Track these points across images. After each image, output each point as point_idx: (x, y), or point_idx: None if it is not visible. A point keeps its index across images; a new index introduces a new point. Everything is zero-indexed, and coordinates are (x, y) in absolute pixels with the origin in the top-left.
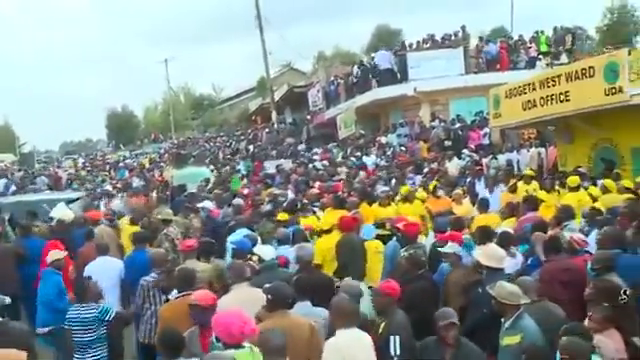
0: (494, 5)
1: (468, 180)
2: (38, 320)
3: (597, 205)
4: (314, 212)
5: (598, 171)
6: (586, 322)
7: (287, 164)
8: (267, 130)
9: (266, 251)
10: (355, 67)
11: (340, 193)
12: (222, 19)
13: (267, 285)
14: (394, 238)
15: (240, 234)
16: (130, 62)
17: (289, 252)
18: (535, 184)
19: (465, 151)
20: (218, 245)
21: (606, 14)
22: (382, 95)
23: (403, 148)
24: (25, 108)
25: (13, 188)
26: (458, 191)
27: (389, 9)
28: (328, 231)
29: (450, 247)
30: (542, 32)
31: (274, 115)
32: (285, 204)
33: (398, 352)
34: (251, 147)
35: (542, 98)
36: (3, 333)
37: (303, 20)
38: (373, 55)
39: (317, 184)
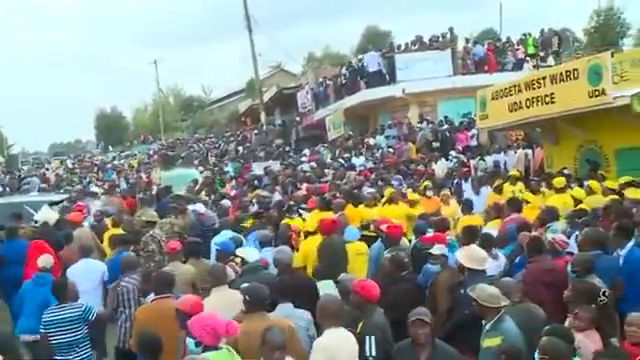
0: (484, 7)
1: (455, 181)
2: (26, 327)
3: (583, 206)
4: (300, 214)
5: (584, 172)
6: (567, 322)
7: (275, 166)
8: (256, 131)
9: (250, 253)
10: (344, 68)
11: (327, 194)
12: (212, 20)
13: (244, 285)
14: (379, 240)
15: (225, 236)
16: (120, 63)
17: (272, 255)
18: (521, 185)
19: (452, 152)
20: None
21: (593, 16)
22: (370, 96)
23: (391, 150)
24: (14, 109)
25: None
26: (446, 192)
27: (379, 11)
28: (314, 232)
29: (438, 248)
30: (530, 34)
31: (263, 116)
32: (271, 206)
33: (374, 353)
34: (240, 148)
35: (528, 100)
36: None
37: (293, 22)
38: (361, 57)
39: (304, 186)
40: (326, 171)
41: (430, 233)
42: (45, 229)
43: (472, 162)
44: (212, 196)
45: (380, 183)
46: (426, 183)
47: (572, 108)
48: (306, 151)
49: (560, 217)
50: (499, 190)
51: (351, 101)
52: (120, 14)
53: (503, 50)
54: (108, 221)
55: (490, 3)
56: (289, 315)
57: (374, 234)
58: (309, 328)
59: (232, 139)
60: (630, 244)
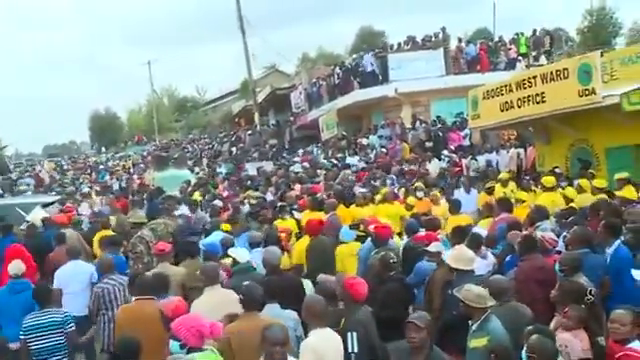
0: (477, 7)
1: (448, 181)
2: (13, 335)
3: (573, 205)
4: (292, 214)
5: (575, 171)
6: (553, 322)
7: (268, 166)
8: (249, 132)
9: (241, 253)
10: (337, 69)
11: (319, 195)
12: (205, 21)
13: (245, 283)
14: (369, 239)
15: (216, 236)
16: (113, 64)
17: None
18: (512, 185)
19: (445, 152)
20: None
21: (586, 16)
22: (363, 97)
23: (384, 150)
24: (7, 110)
25: None
26: (435, 192)
27: (373, 11)
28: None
29: (435, 246)
30: (522, 34)
31: (257, 117)
32: (266, 206)
33: (356, 349)
34: (234, 149)
35: (519, 99)
36: None
37: (287, 22)
38: (355, 56)
39: (297, 186)
40: (318, 171)
41: (422, 232)
42: (31, 231)
43: (464, 162)
44: (206, 196)
45: (373, 183)
46: (418, 184)
47: (562, 107)
48: (300, 151)
49: (549, 216)
50: (491, 191)
51: (344, 101)
52: (113, 15)
53: (496, 50)
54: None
55: (484, 3)
56: (276, 315)
57: (363, 233)
58: (296, 328)
59: (226, 140)
60: (617, 242)
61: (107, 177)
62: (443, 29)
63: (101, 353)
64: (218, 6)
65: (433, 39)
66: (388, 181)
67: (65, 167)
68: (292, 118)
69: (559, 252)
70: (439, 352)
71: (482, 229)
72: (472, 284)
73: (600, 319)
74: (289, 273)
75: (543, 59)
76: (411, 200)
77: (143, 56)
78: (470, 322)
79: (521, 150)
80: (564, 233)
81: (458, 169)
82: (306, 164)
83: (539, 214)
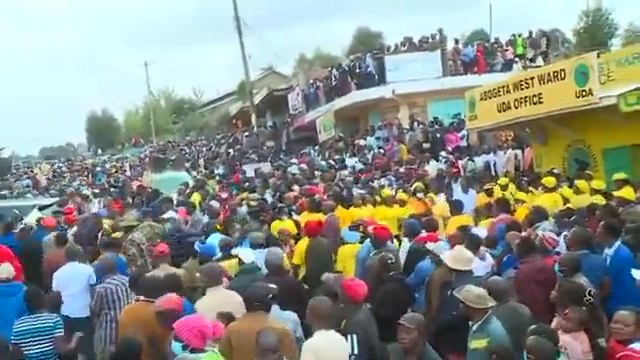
0: (474, 8)
1: (446, 182)
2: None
3: (570, 206)
4: (290, 215)
5: (572, 172)
6: (554, 322)
7: (266, 168)
8: (247, 134)
9: (246, 254)
10: (334, 70)
11: (317, 196)
12: (202, 22)
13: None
14: (367, 240)
15: (214, 239)
16: (110, 65)
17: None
18: (512, 188)
19: (442, 153)
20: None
21: (582, 17)
22: (361, 98)
23: (382, 151)
24: (4, 112)
25: None
26: (431, 194)
27: (370, 12)
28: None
29: (436, 246)
30: (519, 35)
31: (254, 118)
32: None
33: (356, 351)
34: (231, 151)
35: (516, 100)
36: None
37: (284, 23)
38: (352, 57)
39: (295, 187)
40: (316, 173)
41: (423, 233)
42: (23, 233)
43: (460, 163)
44: (206, 199)
45: (371, 184)
46: (417, 184)
47: (560, 108)
48: (298, 153)
49: (549, 217)
50: (490, 193)
51: (341, 102)
52: (110, 16)
53: (492, 51)
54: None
55: (480, 4)
56: (276, 317)
57: (362, 234)
58: (296, 330)
59: (223, 141)
60: (617, 243)
61: (104, 179)
62: (440, 30)
63: (102, 353)
64: (215, 7)
65: (430, 40)
66: (386, 182)
67: (62, 169)
68: (289, 120)
69: (559, 253)
70: (432, 352)
71: (482, 230)
72: (472, 285)
73: (600, 320)
74: (289, 274)
75: (540, 60)
76: (402, 196)
77: (140, 57)
78: (470, 323)
79: (519, 151)
80: (564, 233)
81: (456, 170)
82: (303, 165)
83: (538, 215)
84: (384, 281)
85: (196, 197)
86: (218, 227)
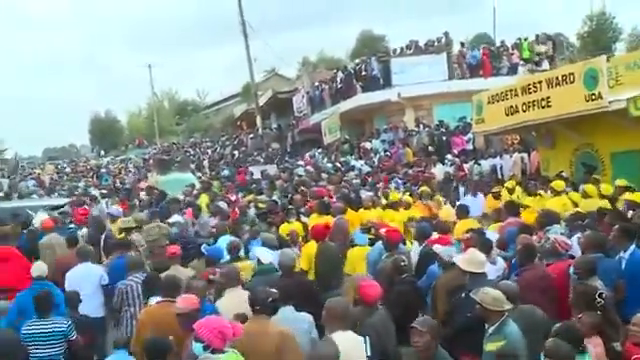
0: (477, 11)
1: (454, 185)
2: None
3: (579, 210)
4: (299, 217)
5: (580, 176)
6: None
7: (272, 169)
8: (252, 136)
9: (265, 254)
10: (339, 73)
11: (326, 199)
12: (204, 25)
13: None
14: (379, 242)
15: (225, 240)
16: (113, 67)
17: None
18: (518, 189)
19: (449, 156)
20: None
21: (586, 21)
22: (366, 101)
23: (388, 154)
24: (7, 113)
25: None
26: (437, 197)
27: (373, 15)
28: None
29: (443, 249)
30: (525, 38)
31: (259, 120)
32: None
33: (369, 352)
34: (236, 153)
35: (524, 104)
36: None
37: (287, 26)
38: (358, 60)
39: (302, 189)
40: (322, 175)
41: (434, 236)
42: (30, 235)
43: (466, 166)
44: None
45: (378, 186)
46: (424, 188)
47: (568, 112)
48: (305, 155)
49: (559, 220)
50: (497, 196)
51: (347, 105)
52: (113, 17)
53: (498, 55)
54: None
55: (483, 8)
56: (290, 318)
57: (373, 236)
58: (311, 331)
59: (228, 143)
60: (632, 247)
61: (110, 180)
62: (446, 34)
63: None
64: (217, 10)
65: (436, 44)
66: (392, 184)
67: (66, 170)
68: (294, 122)
69: (572, 256)
70: (445, 355)
71: (492, 233)
72: (488, 287)
73: (615, 324)
74: (302, 275)
75: (546, 64)
76: (407, 199)
77: (142, 59)
78: (486, 325)
79: (525, 155)
80: (576, 236)
81: (463, 173)
82: (310, 168)
83: (549, 218)
84: (396, 283)
85: (204, 199)
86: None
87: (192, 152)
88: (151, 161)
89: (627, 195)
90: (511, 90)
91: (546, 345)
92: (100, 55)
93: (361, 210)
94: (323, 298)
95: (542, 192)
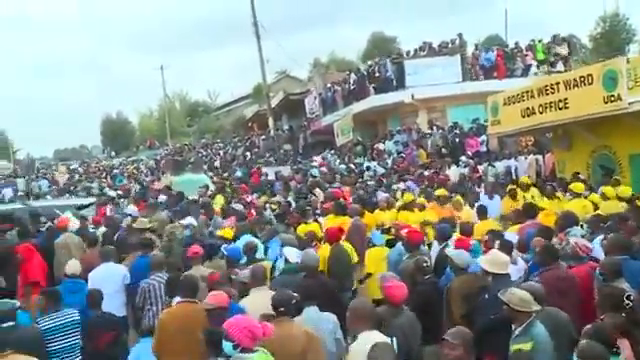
0: (488, 13)
1: (469, 187)
2: None
3: (600, 212)
4: (316, 218)
5: (597, 178)
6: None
7: (285, 171)
8: (263, 137)
9: (292, 253)
10: (352, 74)
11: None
12: (215, 26)
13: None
14: (399, 243)
15: (244, 240)
16: (124, 69)
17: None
18: (534, 191)
19: (463, 158)
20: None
21: (599, 22)
22: (379, 102)
23: (403, 155)
24: (17, 114)
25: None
26: (457, 198)
27: (384, 16)
28: None
29: (456, 253)
30: (539, 40)
31: (271, 122)
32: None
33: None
34: (248, 154)
35: (541, 105)
36: (14, 338)
37: (298, 28)
38: (370, 62)
39: (317, 191)
40: (336, 176)
41: (453, 237)
42: (49, 233)
43: (480, 168)
44: (232, 201)
45: (394, 187)
46: (441, 190)
47: (586, 114)
48: (316, 157)
49: (579, 222)
50: (513, 195)
51: (360, 107)
52: (123, 19)
53: (512, 56)
54: None
55: (494, 9)
56: (315, 318)
57: (392, 237)
58: (335, 331)
59: (240, 144)
60: None
61: (125, 181)
62: (460, 35)
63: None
64: (226, 11)
65: (450, 45)
66: (402, 185)
67: (78, 170)
68: (306, 123)
69: (592, 259)
70: None
71: (513, 235)
72: (515, 288)
73: None
74: (324, 276)
75: (560, 65)
76: (421, 200)
77: (152, 61)
78: (513, 326)
79: (539, 157)
80: (598, 238)
81: (478, 175)
82: (324, 169)
83: (568, 220)
84: (418, 284)
85: (219, 200)
86: (227, 233)
87: (204, 153)
88: (163, 162)
89: None
90: (527, 92)
91: (579, 346)
92: (111, 57)
93: (376, 211)
94: None
95: (559, 194)
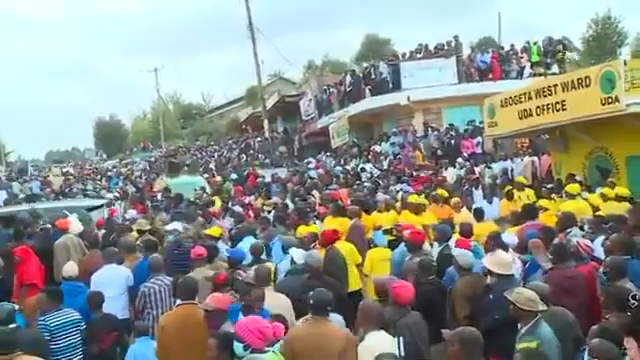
0: (481, 16)
1: (465, 188)
2: None
3: (601, 213)
4: (315, 221)
5: (593, 179)
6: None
7: (282, 173)
8: (259, 139)
9: (298, 254)
10: (348, 76)
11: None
12: (208, 28)
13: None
14: (402, 244)
15: (247, 241)
16: (118, 72)
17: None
18: (529, 191)
19: (460, 160)
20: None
21: (591, 25)
22: (375, 104)
23: (400, 157)
24: (10, 116)
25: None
26: (456, 199)
27: (377, 18)
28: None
29: (461, 253)
30: (534, 42)
31: (266, 124)
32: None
33: (402, 353)
34: (243, 156)
35: (538, 107)
36: (17, 340)
37: (291, 30)
38: (366, 65)
39: (315, 193)
40: (334, 179)
41: (453, 238)
42: (43, 234)
43: (477, 169)
44: (229, 203)
45: (392, 189)
46: (439, 191)
47: (584, 115)
48: (312, 159)
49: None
50: (510, 196)
51: (356, 108)
52: (115, 21)
53: (507, 58)
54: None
55: (487, 12)
56: None
57: (393, 238)
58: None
59: (235, 147)
60: None
61: (120, 183)
62: (456, 37)
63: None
64: (218, 13)
65: (445, 47)
66: (398, 187)
67: (70, 172)
68: (301, 125)
69: (594, 259)
70: None
71: (511, 236)
72: (522, 288)
73: None
74: (329, 278)
75: (555, 68)
76: (421, 200)
77: (144, 63)
78: (519, 325)
79: (535, 158)
80: (600, 238)
81: (476, 177)
82: (321, 171)
83: (568, 221)
84: (423, 284)
85: (217, 202)
86: (216, 231)
87: (199, 155)
88: (157, 164)
89: None
90: (525, 93)
91: (591, 345)
92: (104, 59)
93: (374, 213)
94: None
95: (555, 196)
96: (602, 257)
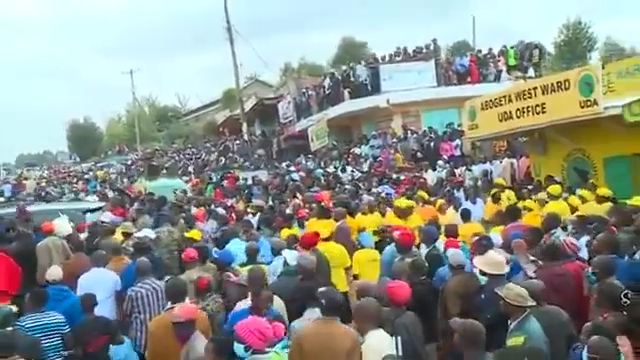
0: (456, 20)
1: (447, 190)
2: None
3: (580, 214)
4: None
5: (572, 181)
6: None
7: (262, 175)
8: (237, 142)
9: (291, 255)
10: (327, 79)
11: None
12: (183, 31)
13: (322, 289)
14: (392, 244)
15: (235, 244)
16: (91, 74)
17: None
18: (510, 193)
19: (440, 162)
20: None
21: (562, 30)
22: (354, 107)
23: (380, 159)
24: None
25: None
26: (442, 201)
27: (353, 22)
28: (327, 239)
29: (453, 253)
30: (512, 47)
31: (245, 127)
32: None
33: (400, 352)
34: (222, 159)
35: (518, 110)
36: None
37: (267, 32)
38: (345, 67)
39: (298, 195)
40: (315, 181)
41: (440, 239)
42: (24, 237)
43: (457, 172)
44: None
45: (374, 191)
46: (421, 193)
47: (563, 118)
48: (295, 160)
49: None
50: (497, 198)
51: (335, 111)
52: (90, 22)
53: (485, 62)
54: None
55: (461, 16)
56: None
57: (381, 239)
58: None
59: (214, 149)
60: None
61: (99, 186)
62: (434, 41)
63: None
64: (198, 16)
65: (424, 50)
66: (379, 189)
67: (44, 175)
68: (279, 128)
69: (579, 258)
70: None
71: (496, 236)
72: (512, 284)
73: None
74: (322, 279)
75: (531, 71)
76: (407, 203)
77: (119, 65)
78: (509, 322)
79: (514, 160)
80: (584, 238)
81: (459, 179)
82: (302, 173)
83: (552, 222)
84: (414, 284)
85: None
86: (196, 234)
87: (177, 158)
88: (133, 167)
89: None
90: (505, 96)
91: (591, 342)
92: (76, 62)
93: (359, 215)
94: None
95: (534, 197)
96: (586, 257)
